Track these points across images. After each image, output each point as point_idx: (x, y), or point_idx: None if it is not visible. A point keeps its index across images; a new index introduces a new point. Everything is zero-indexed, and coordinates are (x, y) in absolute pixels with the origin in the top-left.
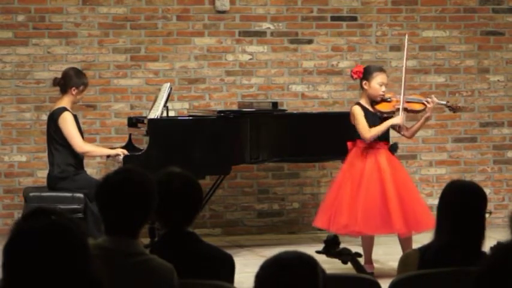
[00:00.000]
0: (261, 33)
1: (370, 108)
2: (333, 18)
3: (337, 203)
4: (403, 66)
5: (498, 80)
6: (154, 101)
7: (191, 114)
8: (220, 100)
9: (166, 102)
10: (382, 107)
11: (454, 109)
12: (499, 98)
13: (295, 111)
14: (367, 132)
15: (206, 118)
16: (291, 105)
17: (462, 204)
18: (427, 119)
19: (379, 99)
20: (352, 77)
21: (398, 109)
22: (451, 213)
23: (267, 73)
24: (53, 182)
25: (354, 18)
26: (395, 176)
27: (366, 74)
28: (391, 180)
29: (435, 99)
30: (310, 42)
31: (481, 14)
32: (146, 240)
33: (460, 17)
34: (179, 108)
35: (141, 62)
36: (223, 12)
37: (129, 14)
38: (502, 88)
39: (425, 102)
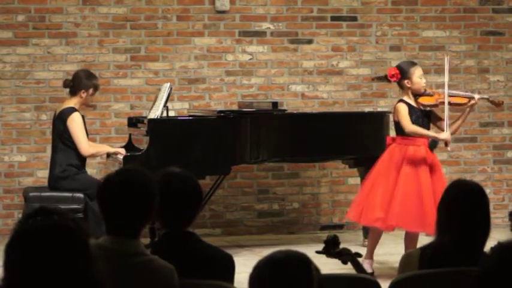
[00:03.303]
0: (261, 33)
1: (414, 104)
2: (333, 18)
3: (371, 196)
4: (445, 74)
5: (498, 80)
6: (154, 101)
7: (191, 114)
8: (220, 100)
9: (166, 102)
10: (425, 100)
11: (496, 104)
12: (499, 98)
13: (295, 111)
14: (409, 124)
15: (206, 118)
16: (291, 105)
17: (466, 204)
18: (469, 113)
19: (422, 91)
20: (389, 81)
21: (441, 102)
22: (454, 213)
23: (267, 73)
24: (54, 181)
25: (354, 18)
26: (432, 175)
27: (404, 73)
28: (428, 180)
29: (477, 95)
30: (310, 42)
31: (481, 14)
32: (146, 240)
33: (460, 17)
34: (179, 108)
35: (141, 62)
36: (223, 12)
37: (129, 14)
38: (502, 88)
39: (469, 97)
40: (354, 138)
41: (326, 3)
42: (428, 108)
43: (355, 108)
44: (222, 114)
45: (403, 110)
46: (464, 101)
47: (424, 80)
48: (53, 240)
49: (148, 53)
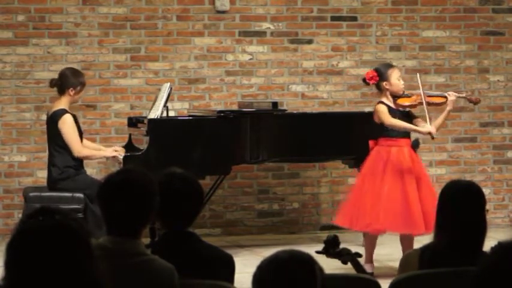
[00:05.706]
0: (261, 33)
1: (393, 105)
2: (333, 18)
3: (360, 202)
4: (419, 82)
5: (498, 80)
6: (155, 101)
7: (191, 114)
8: (220, 100)
9: (166, 102)
10: (404, 101)
11: (473, 101)
12: (499, 98)
13: (295, 111)
14: (388, 118)
15: (206, 118)
16: (291, 105)
17: (462, 204)
18: (449, 111)
19: (401, 92)
20: (368, 84)
21: (420, 103)
22: (451, 213)
23: (267, 73)
24: (53, 183)
25: (354, 18)
26: (417, 176)
27: (382, 75)
28: (413, 181)
29: (454, 93)
30: (310, 42)
31: (481, 14)
32: (147, 240)
33: (460, 17)
34: (179, 108)
35: (141, 62)
36: (223, 12)
37: (129, 14)
38: (502, 88)
39: (446, 95)
40: (354, 138)
41: (326, 3)
42: (407, 109)
43: (355, 108)
44: (222, 114)
45: (383, 108)
46: (442, 100)
47: (402, 82)
48: (54, 240)
49: (148, 53)
